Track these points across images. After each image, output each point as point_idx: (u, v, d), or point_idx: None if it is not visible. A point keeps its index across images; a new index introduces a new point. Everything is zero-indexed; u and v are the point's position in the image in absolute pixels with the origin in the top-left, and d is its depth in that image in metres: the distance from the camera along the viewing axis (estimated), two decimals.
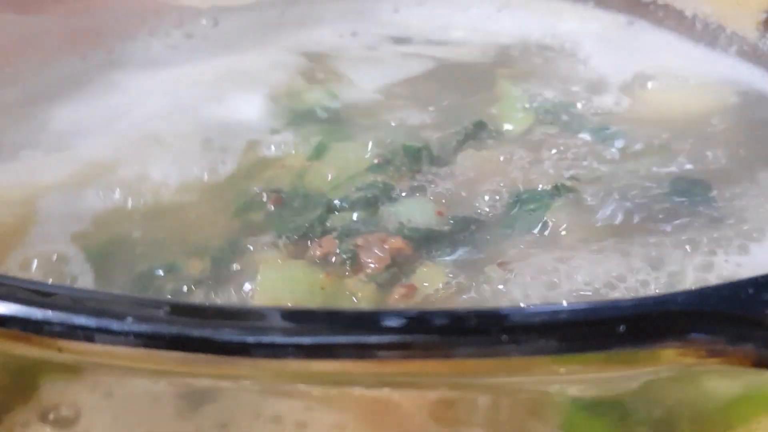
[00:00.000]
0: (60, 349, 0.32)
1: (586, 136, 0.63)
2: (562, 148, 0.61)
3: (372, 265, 0.51)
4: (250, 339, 0.31)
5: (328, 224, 0.54)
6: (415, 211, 0.55)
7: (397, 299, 0.49)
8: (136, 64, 0.75)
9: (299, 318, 0.32)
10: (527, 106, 0.67)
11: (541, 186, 0.57)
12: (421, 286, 0.50)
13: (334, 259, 0.52)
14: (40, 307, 0.32)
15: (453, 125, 0.64)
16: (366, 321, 0.32)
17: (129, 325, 0.31)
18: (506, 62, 0.74)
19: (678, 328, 0.32)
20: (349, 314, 0.32)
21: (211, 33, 0.81)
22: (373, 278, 0.50)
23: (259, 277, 0.50)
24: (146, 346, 0.32)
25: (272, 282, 0.50)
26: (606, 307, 0.33)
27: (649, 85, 0.70)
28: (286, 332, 0.31)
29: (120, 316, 0.32)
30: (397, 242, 0.52)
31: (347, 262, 0.51)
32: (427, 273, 0.51)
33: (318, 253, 0.52)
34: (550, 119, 0.65)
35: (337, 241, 0.52)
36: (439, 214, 0.55)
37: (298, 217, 0.55)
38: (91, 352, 0.32)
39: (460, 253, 0.53)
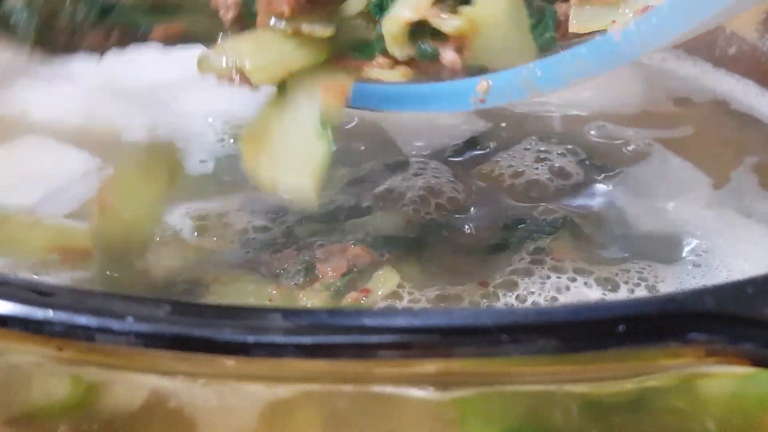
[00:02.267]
0: (60, 349, 0.32)
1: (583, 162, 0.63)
2: (558, 173, 0.61)
3: (330, 274, 0.51)
4: (250, 339, 0.31)
5: (294, 237, 0.54)
6: (382, 221, 0.55)
7: (348, 302, 0.49)
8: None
9: (299, 318, 0.32)
10: None
11: (534, 211, 0.57)
12: (375, 289, 0.50)
13: (291, 272, 0.51)
14: (40, 307, 0.32)
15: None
16: (366, 321, 0.32)
17: (129, 324, 0.31)
18: None
19: (677, 328, 0.32)
20: (349, 314, 0.32)
21: None
22: (327, 287, 0.50)
23: (209, 291, 0.50)
24: (146, 345, 0.32)
25: (221, 297, 0.50)
26: (606, 307, 0.33)
27: None
28: (286, 332, 0.31)
29: (120, 316, 0.32)
30: (355, 250, 0.52)
31: (302, 273, 0.51)
32: (381, 275, 0.50)
33: (275, 266, 0.52)
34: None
35: (295, 253, 0.52)
36: (408, 221, 0.55)
37: (263, 233, 0.55)
38: (92, 352, 0.32)
39: (431, 262, 0.53)
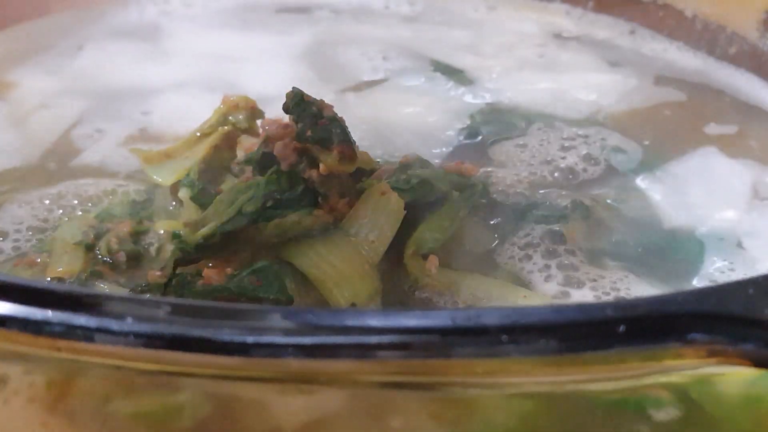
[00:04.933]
0: (60, 349, 0.32)
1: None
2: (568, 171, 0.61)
3: None
4: (250, 339, 0.31)
5: None
6: None
7: None
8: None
9: (299, 318, 0.32)
10: None
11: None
12: None
13: None
14: (40, 307, 0.32)
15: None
16: (366, 321, 0.32)
17: (129, 325, 0.31)
18: None
19: (678, 329, 0.32)
20: (349, 314, 0.32)
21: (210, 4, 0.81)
22: None
23: None
24: (146, 346, 0.32)
25: None
26: (606, 307, 0.33)
27: None
28: (286, 332, 0.31)
29: (120, 316, 0.32)
30: None
31: None
32: None
33: None
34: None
35: None
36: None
37: None
38: (91, 353, 0.32)
39: None
